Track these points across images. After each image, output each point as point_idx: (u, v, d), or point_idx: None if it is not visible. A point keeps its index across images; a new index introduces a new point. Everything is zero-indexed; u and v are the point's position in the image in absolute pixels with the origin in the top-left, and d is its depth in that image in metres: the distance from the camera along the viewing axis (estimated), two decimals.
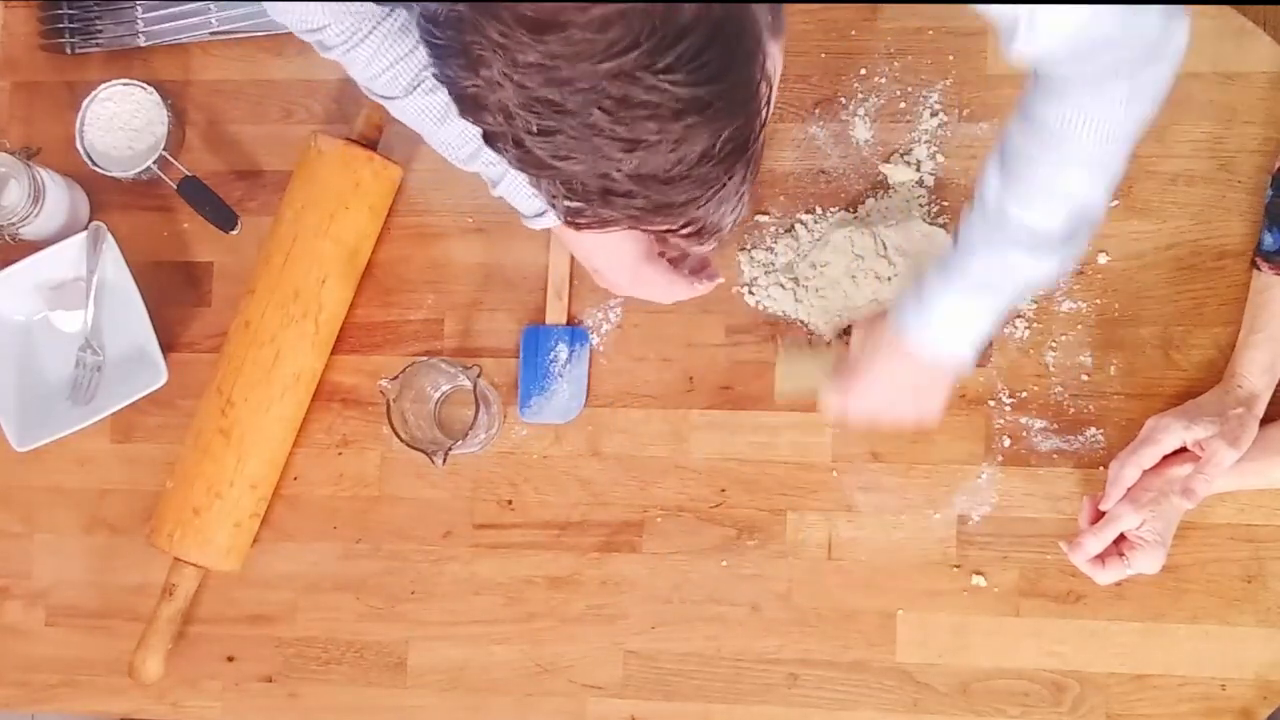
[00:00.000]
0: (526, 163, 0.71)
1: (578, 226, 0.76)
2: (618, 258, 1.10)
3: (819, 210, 1.19)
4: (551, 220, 1.07)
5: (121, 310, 1.25)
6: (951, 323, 0.97)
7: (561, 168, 0.70)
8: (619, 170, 0.69)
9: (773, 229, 1.20)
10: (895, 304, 1.01)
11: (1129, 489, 1.07)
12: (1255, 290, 1.10)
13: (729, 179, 0.73)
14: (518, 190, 1.07)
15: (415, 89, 1.03)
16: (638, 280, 1.12)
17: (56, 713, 1.32)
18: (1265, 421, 1.07)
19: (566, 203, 0.73)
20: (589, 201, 0.72)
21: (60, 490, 1.28)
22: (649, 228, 0.76)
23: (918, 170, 1.18)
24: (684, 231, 0.77)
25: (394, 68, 1.02)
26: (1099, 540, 1.06)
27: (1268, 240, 1.09)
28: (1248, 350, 1.09)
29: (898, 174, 1.18)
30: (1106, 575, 1.07)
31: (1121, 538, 1.07)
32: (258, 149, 1.29)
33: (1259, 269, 1.10)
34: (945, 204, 1.17)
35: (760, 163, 0.77)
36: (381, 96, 1.06)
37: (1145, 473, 1.07)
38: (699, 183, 0.72)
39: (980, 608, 1.15)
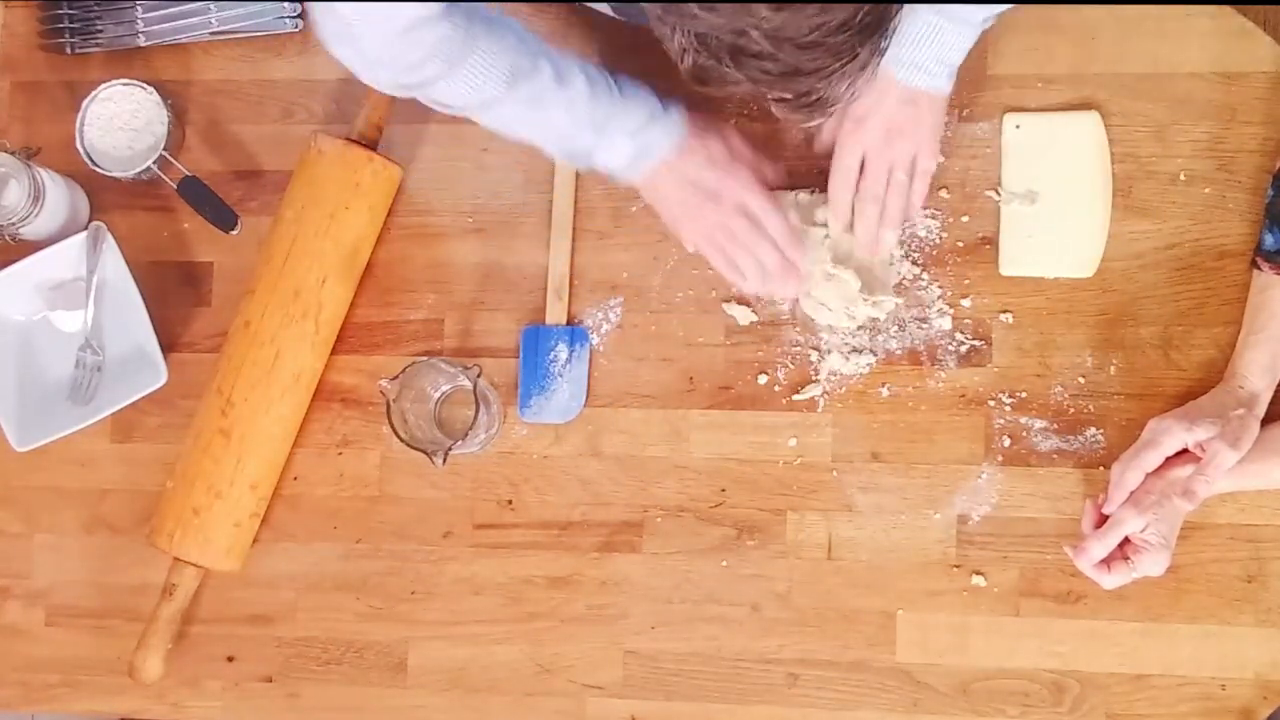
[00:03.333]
0: (670, 10, 0.73)
1: (701, 83, 0.77)
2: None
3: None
4: (646, 163, 1.09)
5: (121, 310, 1.25)
6: (920, 45, 1.04)
7: (703, 17, 0.71)
8: (758, 28, 0.71)
9: None
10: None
11: (1131, 492, 1.07)
12: (1255, 290, 1.10)
13: (859, 53, 0.74)
14: (610, 148, 1.09)
15: (516, 80, 1.04)
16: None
17: (56, 713, 1.32)
18: (1266, 422, 1.07)
19: (696, 58, 0.75)
20: (719, 59, 0.74)
21: (60, 490, 1.28)
22: (770, 94, 0.78)
23: None
24: (802, 101, 0.79)
25: (494, 67, 1.03)
26: (1103, 545, 1.06)
27: (1268, 240, 1.09)
28: (1248, 350, 1.09)
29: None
30: (1112, 579, 1.07)
31: (1126, 541, 1.07)
32: (258, 149, 1.29)
33: (1259, 269, 1.10)
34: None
35: (888, 44, 0.78)
36: (478, 106, 1.06)
37: (1147, 475, 1.07)
38: (831, 52, 0.73)
39: (980, 608, 1.15)
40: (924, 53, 1.05)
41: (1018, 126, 1.17)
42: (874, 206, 1.12)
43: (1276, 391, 1.09)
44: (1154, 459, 1.06)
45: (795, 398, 1.18)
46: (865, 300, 1.15)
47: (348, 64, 1.02)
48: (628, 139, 1.09)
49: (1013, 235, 1.16)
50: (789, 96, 0.79)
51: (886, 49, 0.78)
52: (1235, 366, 1.09)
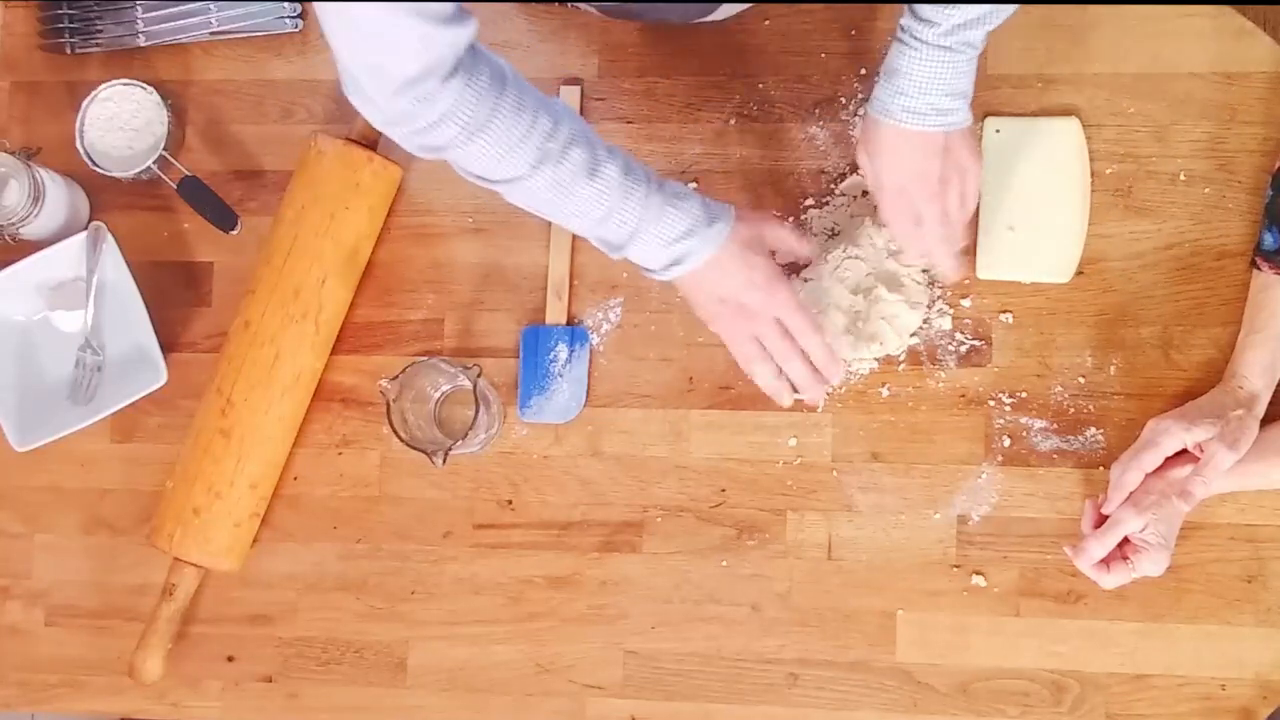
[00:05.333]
0: None
1: None
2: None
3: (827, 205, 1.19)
4: (680, 271, 1.06)
5: (121, 310, 1.25)
6: (929, 89, 1.02)
7: None
8: None
9: None
10: (876, 105, 1.05)
11: (1130, 493, 1.07)
12: (1255, 290, 1.10)
13: None
14: (643, 250, 1.05)
15: (542, 162, 1.00)
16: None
17: (56, 713, 1.32)
18: (1266, 422, 1.07)
19: None
20: None
21: (60, 490, 1.28)
22: None
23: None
24: None
25: (522, 144, 0.99)
26: (1102, 544, 1.06)
27: (1267, 240, 1.09)
28: (1248, 350, 1.09)
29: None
30: (1111, 579, 1.07)
31: (1125, 541, 1.07)
32: (258, 149, 1.29)
33: (1259, 269, 1.10)
34: None
35: None
36: (503, 181, 1.02)
37: (1146, 476, 1.07)
38: None
39: (980, 608, 1.15)
40: (934, 96, 1.02)
41: (998, 131, 1.17)
42: (946, 245, 1.09)
43: (1277, 391, 1.09)
44: (1153, 459, 1.06)
45: (796, 395, 1.18)
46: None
47: (369, 119, 0.99)
48: (662, 247, 1.04)
49: (990, 239, 1.16)
50: None
51: None
52: (1235, 366, 1.09)
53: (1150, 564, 1.06)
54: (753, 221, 1.09)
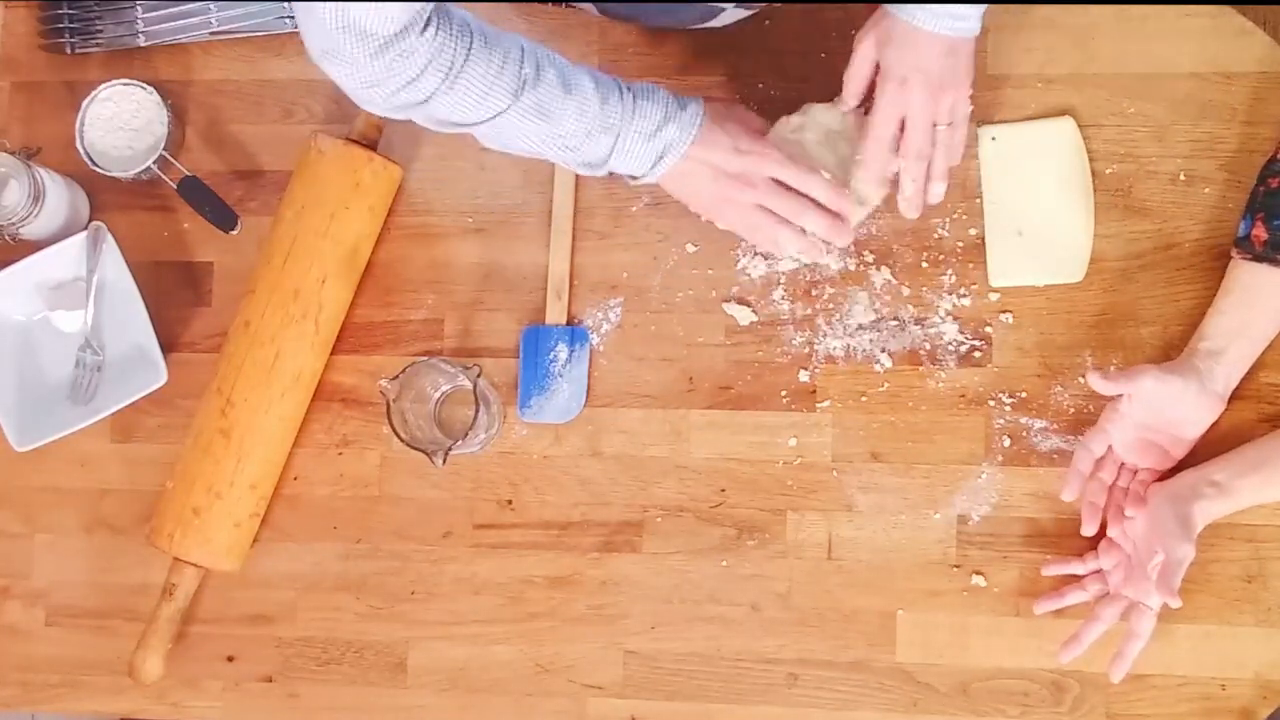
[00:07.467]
0: None
1: None
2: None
3: None
4: (668, 163, 1.08)
5: (121, 310, 1.25)
6: None
7: None
8: None
9: None
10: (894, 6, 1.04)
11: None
12: (1228, 271, 1.10)
13: None
14: (628, 153, 1.07)
15: (522, 89, 1.02)
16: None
17: (56, 713, 1.32)
18: (1249, 440, 1.08)
19: None
20: None
21: (60, 490, 1.28)
22: None
23: None
24: None
25: (499, 77, 1.01)
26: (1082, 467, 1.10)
27: (1241, 228, 1.10)
28: (1212, 316, 1.09)
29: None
30: (1089, 636, 1.10)
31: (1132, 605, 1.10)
32: (258, 149, 1.29)
33: (1233, 256, 1.10)
34: None
35: None
36: (484, 120, 1.03)
37: (1135, 541, 1.09)
38: None
39: (980, 608, 1.15)
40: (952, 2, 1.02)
41: (994, 139, 1.17)
42: (922, 164, 1.09)
43: (1251, 405, 1.09)
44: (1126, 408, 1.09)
45: (800, 375, 1.18)
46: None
47: (341, 84, 0.99)
48: (645, 141, 1.06)
49: (999, 247, 1.16)
50: None
51: None
52: (1201, 328, 1.10)
53: (1146, 624, 1.08)
54: (721, 101, 1.12)
